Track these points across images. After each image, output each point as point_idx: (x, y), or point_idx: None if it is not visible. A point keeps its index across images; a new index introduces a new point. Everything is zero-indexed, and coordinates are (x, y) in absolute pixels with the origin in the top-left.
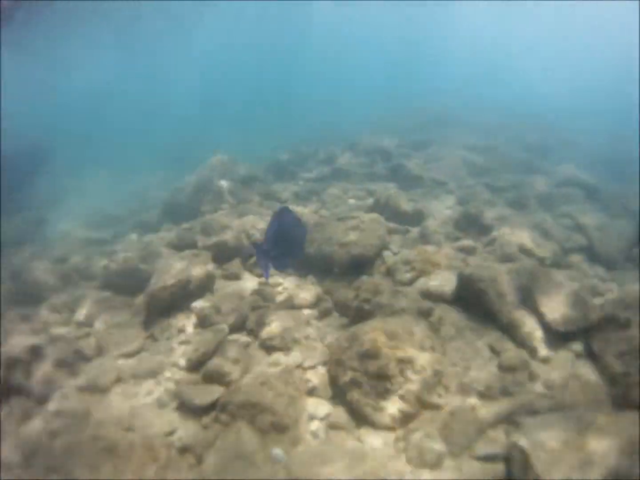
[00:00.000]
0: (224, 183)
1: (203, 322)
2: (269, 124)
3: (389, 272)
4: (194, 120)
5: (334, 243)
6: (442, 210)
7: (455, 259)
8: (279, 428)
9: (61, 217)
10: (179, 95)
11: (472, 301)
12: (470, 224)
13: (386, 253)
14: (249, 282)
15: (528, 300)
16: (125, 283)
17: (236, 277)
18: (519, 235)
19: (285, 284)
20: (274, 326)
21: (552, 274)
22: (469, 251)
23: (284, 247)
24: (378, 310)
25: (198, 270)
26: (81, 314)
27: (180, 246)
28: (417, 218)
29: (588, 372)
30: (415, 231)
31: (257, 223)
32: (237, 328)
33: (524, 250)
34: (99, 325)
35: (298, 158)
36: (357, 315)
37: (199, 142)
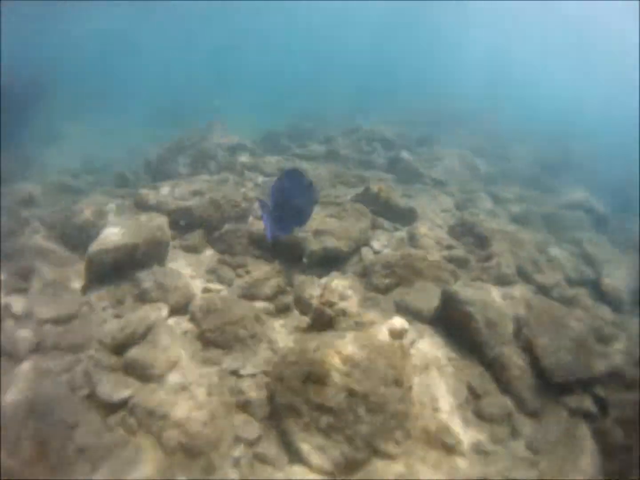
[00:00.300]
0: (209, 148)
1: (142, 297)
2: (283, 99)
3: (365, 273)
4: (205, 84)
5: (308, 229)
6: (437, 212)
7: (443, 270)
8: (191, 450)
9: (46, 160)
10: (195, 57)
11: (456, 325)
12: (467, 233)
13: (365, 250)
14: (208, 259)
15: (523, 337)
16: (79, 239)
17: (195, 250)
18: (520, 256)
19: (249, 267)
20: (218, 316)
21: (555, 309)
22: (460, 263)
23: (290, 211)
24: (342, 319)
25: (148, 235)
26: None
27: (144, 208)
28: (408, 216)
29: (582, 435)
30: (404, 231)
31: (231, 195)
32: (178, 310)
33: (524, 274)
34: (35, 283)
35: (295, 133)
36: (318, 319)
37: (202, 107)
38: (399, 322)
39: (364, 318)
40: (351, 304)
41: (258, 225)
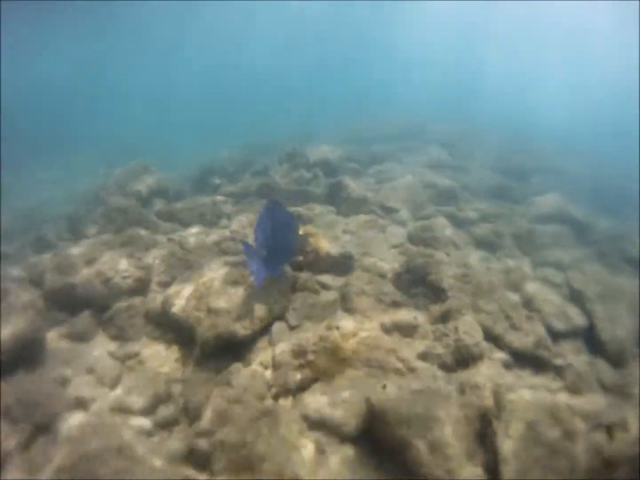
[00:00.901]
0: (111, 199)
1: None
2: (224, 126)
3: (274, 365)
4: (141, 121)
5: (202, 307)
6: (384, 251)
7: (380, 351)
8: None
9: None
10: (128, 92)
11: (388, 446)
12: (417, 282)
13: (277, 328)
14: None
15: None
16: None
17: (82, 338)
18: (487, 310)
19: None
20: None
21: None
22: (407, 332)
23: (277, 247)
24: (229, 450)
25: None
26: None
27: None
28: (344, 266)
29: None
30: (335, 288)
31: (117, 265)
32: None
33: (493, 338)
34: None
35: (231, 166)
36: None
37: (136, 145)
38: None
39: (255, 447)
40: (242, 419)
41: (159, 298)
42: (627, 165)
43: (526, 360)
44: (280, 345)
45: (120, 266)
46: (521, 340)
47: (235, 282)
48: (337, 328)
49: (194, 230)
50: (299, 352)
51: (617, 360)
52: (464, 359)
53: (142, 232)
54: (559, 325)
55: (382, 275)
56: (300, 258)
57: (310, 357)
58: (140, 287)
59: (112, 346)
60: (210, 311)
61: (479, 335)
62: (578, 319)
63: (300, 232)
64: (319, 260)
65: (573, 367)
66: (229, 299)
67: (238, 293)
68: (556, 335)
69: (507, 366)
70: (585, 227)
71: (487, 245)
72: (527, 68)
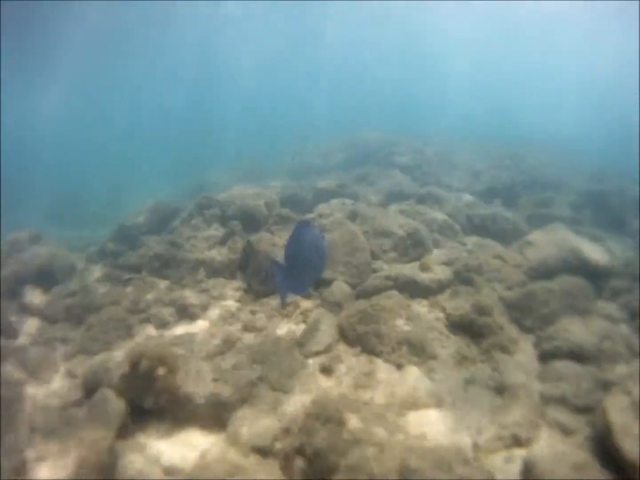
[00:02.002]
0: None
1: None
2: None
3: None
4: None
5: None
6: (291, 380)
7: None
8: None
9: None
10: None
11: None
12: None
13: None
14: None
15: None
16: None
17: None
18: None
19: None
20: None
21: None
22: None
23: (305, 266)
24: None
25: None
26: None
27: None
28: (215, 416)
29: None
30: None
31: None
32: None
33: None
34: None
35: (145, 225)
36: None
37: None
38: None
39: None
40: None
41: None
42: (626, 164)
43: None
44: None
45: None
46: None
47: None
48: None
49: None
50: None
51: None
52: None
53: None
54: None
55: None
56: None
57: None
58: None
59: None
60: None
61: None
62: None
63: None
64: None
65: None
66: None
67: None
68: None
69: None
70: (605, 273)
71: (465, 331)
72: (522, 70)
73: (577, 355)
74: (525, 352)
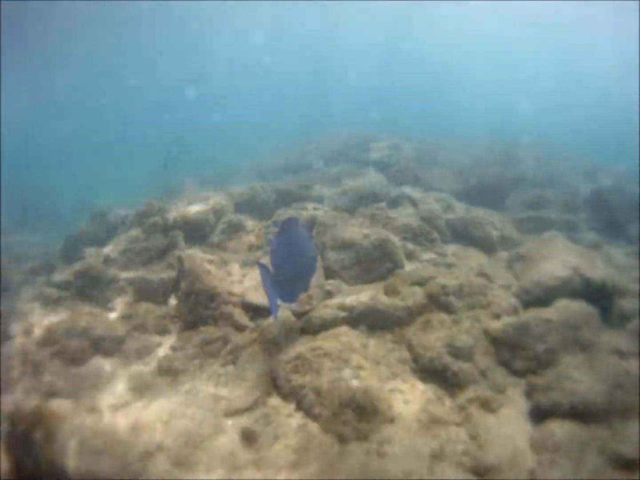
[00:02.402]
0: None
1: None
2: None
3: None
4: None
5: None
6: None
7: None
8: None
9: None
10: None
11: None
12: None
13: None
14: None
15: None
16: None
17: None
18: None
19: None
20: None
21: None
22: None
23: (293, 270)
24: None
25: None
26: None
27: None
28: None
29: None
30: None
31: None
32: None
33: None
34: None
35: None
36: None
37: None
38: None
39: None
40: None
41: None
42: (627, 165)
43: None
44: None
45: None
46: None
47: None
48: None
49: None
50: None
51: None
52: None
53: None
54: None
55: None
56: None
57: None
58: None
59: None
60: None
61: None
62: None
63: None
64: None
65: None
66: None
67: None
68: None
69: None
70: (608, 291)
71: (438, 377)
72: (517, 70)
73: (581, 414)
74: (514, 405)
